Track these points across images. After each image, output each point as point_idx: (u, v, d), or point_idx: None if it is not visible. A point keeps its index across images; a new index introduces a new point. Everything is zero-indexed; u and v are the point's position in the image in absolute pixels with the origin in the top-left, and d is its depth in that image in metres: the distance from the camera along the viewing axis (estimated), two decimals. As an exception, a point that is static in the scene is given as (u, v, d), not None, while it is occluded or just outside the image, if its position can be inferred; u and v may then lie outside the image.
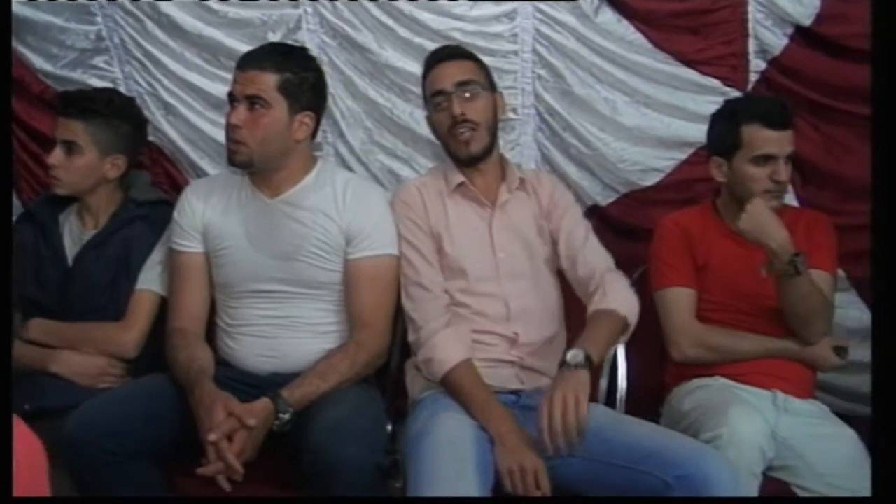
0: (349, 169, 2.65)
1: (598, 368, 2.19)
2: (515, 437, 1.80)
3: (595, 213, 2.60)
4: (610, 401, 2.27)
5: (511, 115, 2.56)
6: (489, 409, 1.85)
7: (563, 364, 1.81)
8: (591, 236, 2.10)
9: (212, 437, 1.76)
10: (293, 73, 1.96)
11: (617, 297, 1.95)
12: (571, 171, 2.58)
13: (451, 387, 1.91)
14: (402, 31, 2.53)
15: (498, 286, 2.01)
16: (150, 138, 2.78)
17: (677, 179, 2.53)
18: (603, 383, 2.25)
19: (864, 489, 1.84)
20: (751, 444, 1.80)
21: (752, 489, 1.82)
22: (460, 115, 2.01)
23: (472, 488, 1.65)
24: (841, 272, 2.53)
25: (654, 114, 2.50)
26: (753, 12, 2.43)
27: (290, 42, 2.51)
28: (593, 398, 2.16)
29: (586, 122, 2.53)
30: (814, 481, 1.91)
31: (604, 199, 2.59)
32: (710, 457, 1.73)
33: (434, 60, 2.09)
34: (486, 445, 1.80)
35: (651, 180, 2.55)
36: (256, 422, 1.79)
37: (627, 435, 1.82)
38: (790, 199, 2.51)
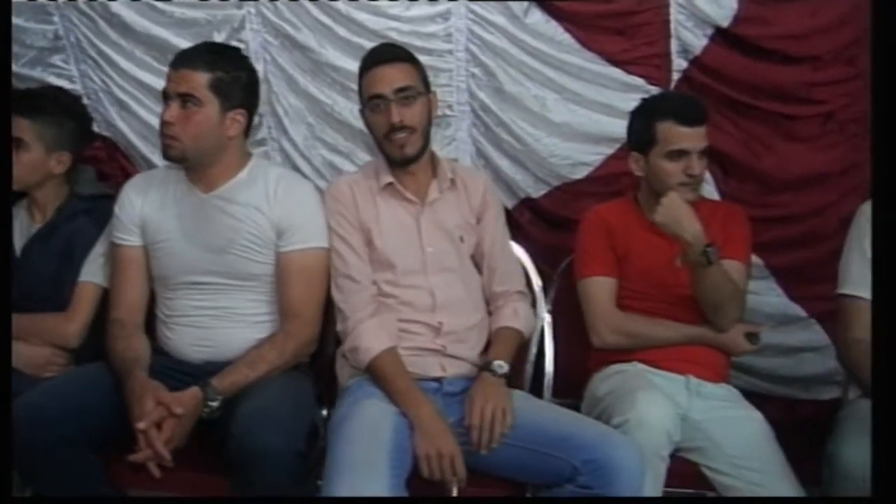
0: (293, 164, 2.73)
1: (523, 353, 2.31)
2: (433, 424, 1.89)
3: (528, 205, 2.70)
4: (537, 385, 2.37)
5: (447, 111, 2.65)
6: (410, 395, 1.94)
7: (488, 368, 1.99)
8: (508, 247, 2.24)
9: (140, 425, 1.84)
10: (225, 72, 2.04)
11: (522, 318, 2.16)
12: (505, 165, 2.67)
13: (375, 374, 2.00)
14: (341, 31, 2.61)
15: (425, 279, 2.10)
16: (105, 133, 2.88)
17: (604, 173, 2.63)
18: (529, 368, 2.34)
19: (768, 470, 1.97)
20: (657, 428, 1.89)
21: (659, 471, 1.91)
22: (398, 122, 2.06)
23: (382, 474, 1.74)
24: (759, 261, 2.66)
25: (583, 110, 2.59)
26: (675, 14, 2.52)
27: (226, 42, 2.60)
28: (520, 383, 2.29)
29: (518, 118, 2.62)
30: (721, 462, 2.01)
31: (536, 191, 2.68)
32: (617, 441, 1.83)
33: (372, 61, 2.12)
34: (405, 431, 1.89)
35: (580, 174, 2.64)
36: (184, 410, 1.86)
37: (541, 420, 1.92)
38: (711, 193, 2.62)
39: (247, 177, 2.13)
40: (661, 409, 1.92)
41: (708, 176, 2.62)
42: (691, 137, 2.14)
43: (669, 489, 1.99)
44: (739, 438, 2.02)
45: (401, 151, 2.10)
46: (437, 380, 2.05)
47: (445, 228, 2.14)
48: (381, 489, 1.71)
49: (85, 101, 2.85)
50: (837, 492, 1.83)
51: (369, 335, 2.02)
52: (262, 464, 1.75)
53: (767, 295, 2.69)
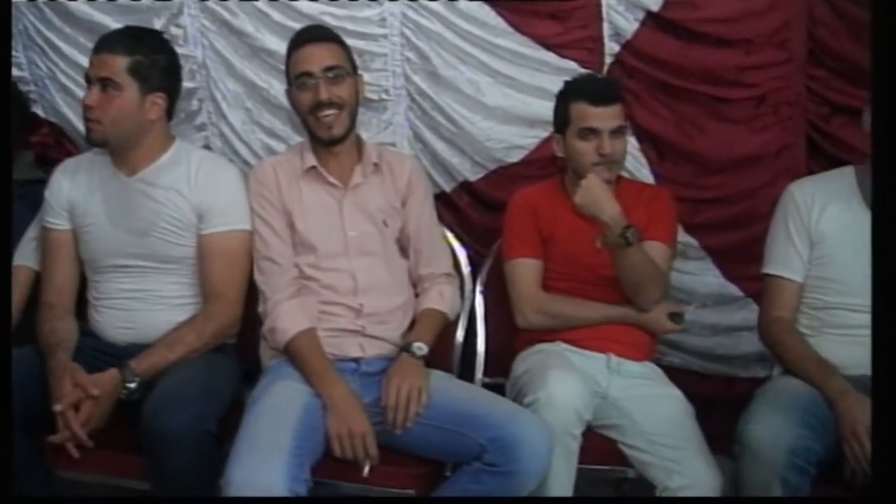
0: (232, 148, 2.76)
1: (451, 334, 2.34)
2: (346, 403, 1.92)
3: (466, 189, 2.72)
4: (468, 365, 2.41)
5: (383, 96, 2.67)
6: (324, 375, 1.97)
7: (408, 350, 2.02)
8: (435, 230, 2.26)
9: (57, 407, 1.86)
10: (143, 56, 2.06)
11: (448, 300, 2.20)
12: (442, 148, 2.70)
13: (292, 354, 2.03)
14: (277, 16, 2.63)
15: (347, 262, 2.12)
16: (52, 119, 2.90)
17: (540, 156, 2.64)
18: (457, 348, 2.36)
19: (684, 447, 2.00)
20: (566, 406, 1.92)
21: (570, 448, 1.94)
22: (326, 99, 2.08)
23: (284, 452, 1.77)
24: (695, 242, 2.70)
25: (517, 94, 2.61)
26: (607, -2, 2.55)
27: (164, 28, 2.62)
28: (448, 364, 2.32)
29: (453, 102, 2.64)
30: (637, 439, 2.04)
31: (473, 175, 2.70)
32: (523, 419, 1.87)
33: (301, 41, 2.14)
34: (317, 412, 1.92)
35: (516, 157, 2.66)
36: (100, 392, 1.89)
37: (454, 399, 1.95)
38: (646, 175, 2.65)
39: (169, 160, 2.15)
40: (571, 387, 1.95)
41: (642, 158, 2.67)
42: (601, 116, 2.17)
43: (585, 465, 2.03)
44: (657, 416, 2.05)
45: (328, 131, 2.11)
46: (356, 360, 2.07)
47: (368, 212, 2.16)
48: (280, 468, 1.74)
49: (32, 87, 2.89)
50: (746, 469, 1.85)
51: (287, 316, 2.05)
52: (169, 444, 1.78)
53: (704, 275, 2.72)
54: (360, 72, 2.22)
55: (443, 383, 2.03)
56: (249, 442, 1.80)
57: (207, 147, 2.78)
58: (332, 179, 2.16)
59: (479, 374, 2.40)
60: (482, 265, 2.49)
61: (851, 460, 1.85)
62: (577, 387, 1.96)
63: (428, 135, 2.70)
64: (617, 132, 2.20)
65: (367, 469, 1.91)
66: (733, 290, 2.71)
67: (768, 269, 2.18)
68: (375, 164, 2.20)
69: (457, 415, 1.90)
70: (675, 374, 2.64)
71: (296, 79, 2.12)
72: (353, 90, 2.14)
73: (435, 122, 2.68)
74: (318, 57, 2.10)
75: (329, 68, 2.09)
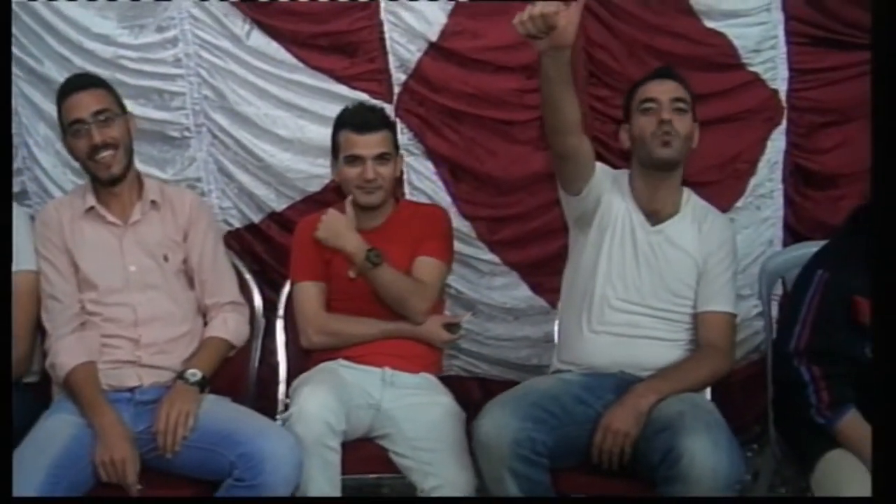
0: (46, 190, 2.83)
1: (244, 359, 2.44)
2: (112, 431, 2.02)
3: (274, 219, 2.83)
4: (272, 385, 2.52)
5: (185, 133, 2.78)
6: (94, 405, 2.07)
7: (182, 377, 2.13)
8: (220, 260, 2.35)
9: None
10: None
11: (231, 328, 2.29)
12: (247, 181, 2.81)
13: (68, 388, 2.13)
14: (78, 61, 2.72)
15: (128, 296, 2.22)
16: None
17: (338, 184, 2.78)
18: (252, 373, 2.46)
19: (440, 450, 2.13)
20: (316, 419, 2.03)
21: (328, 460, 2.05)
22: (100, 142, 2.19)
23: (37, 479, 1.87)
24: (497, 258, 2.85)
25: (312, 125, 2.73)
26: (389, 31, 2.69)
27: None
28: (243, 388, 2.42)
29: (252, 136, 2.76)
30: (403, 446, 2.17)
31: (279, 205, 2.82)
32: (271, 434, 1.99)
33: (68, 90, 2.25)
34: (86, 440, 2.03)
35: (317, 186, 2.78)
36: None
37: (215, 420, 2.06)
38: (443, 198, 2.79)
39: None
40: (321, 401, 2.06)
41: (439, 182, 2.81)
42: (364, 144, 2.31)
43: (353, 476, 2.15)
44: (421, 423, 2.18)
45: (107, 171, 2.22)
46: (131, 390, 2.17)
47: (148, 247, 2.26)
48: (30, 491, 1.84)
49: None
50: (480, 463, 2.00)
51: (66, 351, 2.15)
52: None
53: (514, 289, 2.87)
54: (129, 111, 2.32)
55: (211, 406, 2.13)
56: (15, 472, 1.86)
57: (24, 192, 2.86)
58: (111, 218, 2.26)
59: (281, 395, 2.50)
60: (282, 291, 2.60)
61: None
62: (328, 400, 2.07)
63: (232, 169, 2.80)
64: (380, 158, 2.33)
65: (133, 492, 1.99)
66: (541, 301, 2.86)
67: None
68: (153, 202, 2.30)
69: (215, 434, 2.01)
70: (496, 387, 2.81)
71: (69, 126, 2.23)
72: (124, 129, 2.25)
73: (238, 157, 2.79)
74: (85, 103, 2.20)
75: (98, 112, 2.20)
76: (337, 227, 2.26)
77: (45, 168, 2.83)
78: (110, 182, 2.24)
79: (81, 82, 2.27)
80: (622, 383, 2.15)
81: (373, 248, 2.23)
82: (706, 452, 1.86)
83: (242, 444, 1.95)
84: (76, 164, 2.77)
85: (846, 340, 1.93)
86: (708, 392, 2.33)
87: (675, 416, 1.96)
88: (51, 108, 2.77)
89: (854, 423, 1.89)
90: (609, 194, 2.27)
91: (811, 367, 1.94)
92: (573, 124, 2.07)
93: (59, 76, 2.73)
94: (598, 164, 2.26)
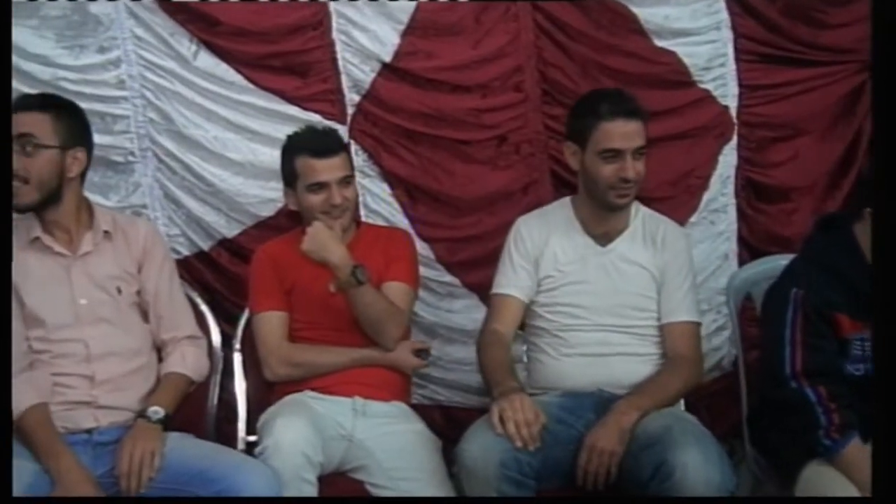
0: None
1: (203, 395, 2.33)
2: (72, 475, 1.91)
3: (225, 246, 2.72)
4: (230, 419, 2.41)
5: (129, 157, 2.65)
6: (50, 449, 1.94)
7: (143, 415, 2.02)
8: (176, 293, 2.24)
9: None
10: None
11: (190, 363, 2.19)
12: (195, 207, 2.69)
13: (20, 432, 1.98)
14: (14, 83, 2.55)
15: (79, 331, 2.09)
16: None
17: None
18: (211, 408, 2.35)
19: (419, 477, 2.08)
20: (292, 450, 1.95)
21: (304, 492, 1.97)
22: (14, 170, 2.02)
23: None
24: (457, 280, 2.79)
25: (264, 148, 2.63)
26: (341, 52, 2.63)
27: None
28: (202, 424, 2.30)
29: (200, 160, 2.65)
30: (380, 476, 2.11)
31: (230, 231, 2.70)
32: (248, 469, 1.91)
33: (18, 106, 2.10)
34: (44, 488, 1.90)
35: (270, 210, 2.68)
36: None
37: (185, 458, 1.96)
38: (400, 220, 2.73)
39: None
40: (296, 433, 1.98)
41: (395, 203, 2.74)
42: (326, 168, 2.24)
43: (332, 511, 2.06)
44: (397, 451, 2.12)
45: (14, 199, 2.05)
46: (88, 431, 2.04)
47: (100, 280, 2.14)
48: None
49: None
50: (466, 487, 1.95)
51: (14, 394, 1.97)
52: None
53: (474, 311, 2.78)
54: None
55: (178, 443, 2.02)
56: None
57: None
58: (58, 248, 2.13)
59: (241, 432, 2.40)
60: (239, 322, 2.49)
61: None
62: (304, 431, 2.00)
63: (179, 194, 2.69)
64: (343, 181, 2.26)
65: None
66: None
67: (493, 290, 2.30)
68: (106, 232, 2.18)
69: (186, 473, 1.92)
70: (459, 414, 2.75)
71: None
72: (45, 163, 2.07)
73: (185, 182, 2.68)
74: (21, 122, 2.06)
75: (20, 136, 2.05)
76: (323, 238, 2.17)
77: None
78: (23, 210, 2.10)
79: (29, 103, 2.14)
80: (601, 401, 2.14)
81: (359, 264, 2.15)
82: (698, 465, 1.85)
83: (217, 481, 1.86)
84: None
85: (838, 359, 1.95)
86: (682, 403, 2.34)
87: (662, 431, 1.95)
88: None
89: (858, 450, 1.88)
90: (544, 258, 2.27)
91: (816, 388, 1.92)
92: None
93: (-11, 100, 2.59)
94: (515, 276, 2.28)
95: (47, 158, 2.09)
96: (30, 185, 2.07)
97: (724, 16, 2.70)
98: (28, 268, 2.11)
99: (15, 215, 2.55)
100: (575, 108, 2.34)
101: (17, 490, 1.83)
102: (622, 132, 2.17)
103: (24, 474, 1.89)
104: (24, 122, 2.08)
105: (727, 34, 2.71)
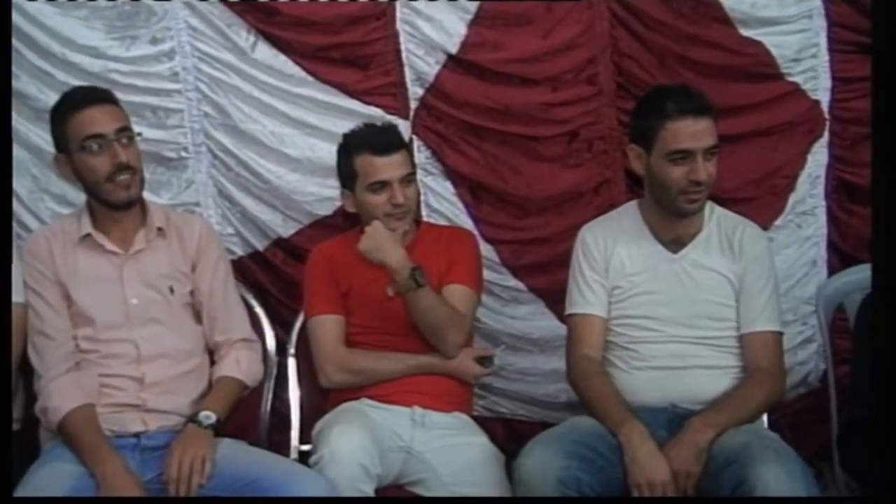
0: (18, 219, 2.56)
1: (255, 401, 2.22)
2: (118, 480, 1.83)
3: (280, 245, 2.62)
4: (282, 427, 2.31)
5: (183, 154, 2.57)
6: (97, 452, 1.86)
7: (194, 420, 1.94)
8: (230, 294, 2.15)
9: None
10: None
11: (245, 367, 2.09)
12: (250, 205, 2.59)
13: (65, 434, 1.91)
14: (61, 76, 2.49)
15: (128, 332, 2.02)
16: None
17: (348, 208, 2.58)
18: (265, 415, 2.26)
19: (483, 492, 1.97)
20: (349, 461, 1.85)
21: (357, 505, 1.86)
22: (126, 162, 1.99)
23: None
24: (522, 285, 2.65)
25: (323, 143, 2.53)
26: (405, 43, 2.52)
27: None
28: (255, 432, 2.21)
29: (257, 156, 2.55)
30: (440, 492, 1.99)
31: (286, 230, 2.60)
32: (304, 478, 1.83)
33: (81, 103, 2.02)
34: (89, 492, 1.82)
35: (327, 209, 2.57)
36: None
37: (237, 466, 1.88)
38: (464, 220, 2.60)
39: None
40: (354, 442, 1.88)
41: (458, 203, 2.62)
42: (388, 166, 2.12)
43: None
44: (457, 465, 2.02)
45: (126, 192, 2.02)
46: (136, 435, 1.96)
47: (152, 279, 2.06)
48: None
49: None
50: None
51: (60, 394, 1.93)
52: None
53: (539, 318, 2.67)
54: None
55: (229, 450, 1.93)
56: None
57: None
58: (109, 246, 2.05)
59: (294, 441, 2.30)
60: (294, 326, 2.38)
61: None
62: (362, 441, 1.89)
63: (234, 192, 2.59)
64: (405, 179, 2.15)
65: None
66: (570, 331, 2.67)
67: (570, 309, 2.15)
68: (160, 229, 2.10)
69: (239, 480, 1.84)
70: (522, 427, 2.60)
71: (83, 141, 1.99)
72: (139, 152, 2.07)
73: (241, 179, 2.58)
74: (106, 119, 2.00)
75: (121, 129, 2.01)
76: (381, 239, 2.06)
77: (20, 193, 2.55)
78: (126, 205, 2.04)
79: (97, 96, 2.06)
80: (674, 418, 1.99)
81: (418, 266, 2.03)
82: (780, 482, 1.73)
83: (270, 490, 1.78)
84: (55, 190, 2.57)
85: None
86: (765, 420, 2.18)
87: (740, 448, 1.82)
88: (26, 128, 2.55)
89: None
90: (611, 267, 2.12)
91: None
92: None
93: (39, 92, 2.52)
94: (590, 286, 2.13)
95: (137, 148, 2.05)
96: (138, 175, 2.03)
97: (817, 2, 2.51)
98: (77, 265, 2.04)
99: (62, 212, 2.54)
100: (638, 107, 2.18)
101: (60, 492, 1.77)
102: (692, 131, 2.00)
103: (66, 476, 1.83)
104: (111, 116, 2.02)
105: (820, 22, 2.52)
